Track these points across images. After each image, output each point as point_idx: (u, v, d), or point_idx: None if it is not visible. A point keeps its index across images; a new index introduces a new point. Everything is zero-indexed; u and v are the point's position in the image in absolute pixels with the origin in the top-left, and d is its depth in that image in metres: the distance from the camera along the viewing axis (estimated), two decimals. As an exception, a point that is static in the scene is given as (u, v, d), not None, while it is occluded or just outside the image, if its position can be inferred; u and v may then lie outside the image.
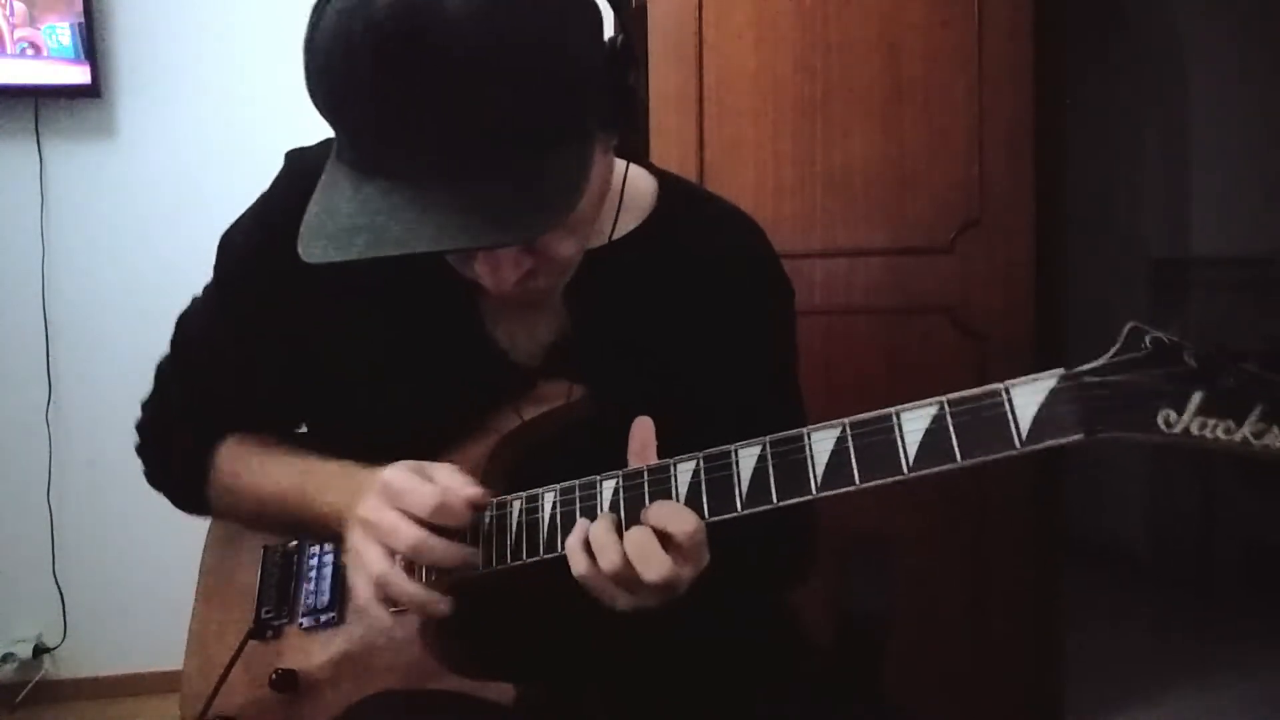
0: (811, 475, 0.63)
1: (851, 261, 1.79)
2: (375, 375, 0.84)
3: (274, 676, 0.83)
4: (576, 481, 0.72)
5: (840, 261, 1.79)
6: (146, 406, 0.93)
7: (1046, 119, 1.82)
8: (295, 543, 0.89)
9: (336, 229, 0.63)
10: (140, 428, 0.93)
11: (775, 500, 0.65)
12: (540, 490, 0.74)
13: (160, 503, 0.94)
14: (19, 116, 2.23)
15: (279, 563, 0.89)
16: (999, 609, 1.84)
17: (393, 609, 0.76)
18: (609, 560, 0.66)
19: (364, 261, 0.61)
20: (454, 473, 0.75)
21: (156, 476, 0.93)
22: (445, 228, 0.61)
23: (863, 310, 1.80)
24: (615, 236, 0.83)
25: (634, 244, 0.84)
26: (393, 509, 0.73)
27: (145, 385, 0.94)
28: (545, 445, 0.82)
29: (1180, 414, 0.53)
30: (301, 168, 0.81)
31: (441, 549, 0.73)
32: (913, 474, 0.60)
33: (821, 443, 0.64)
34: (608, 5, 0.71)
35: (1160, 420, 0.54)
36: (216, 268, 0.89)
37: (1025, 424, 0.57)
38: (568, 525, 0.71)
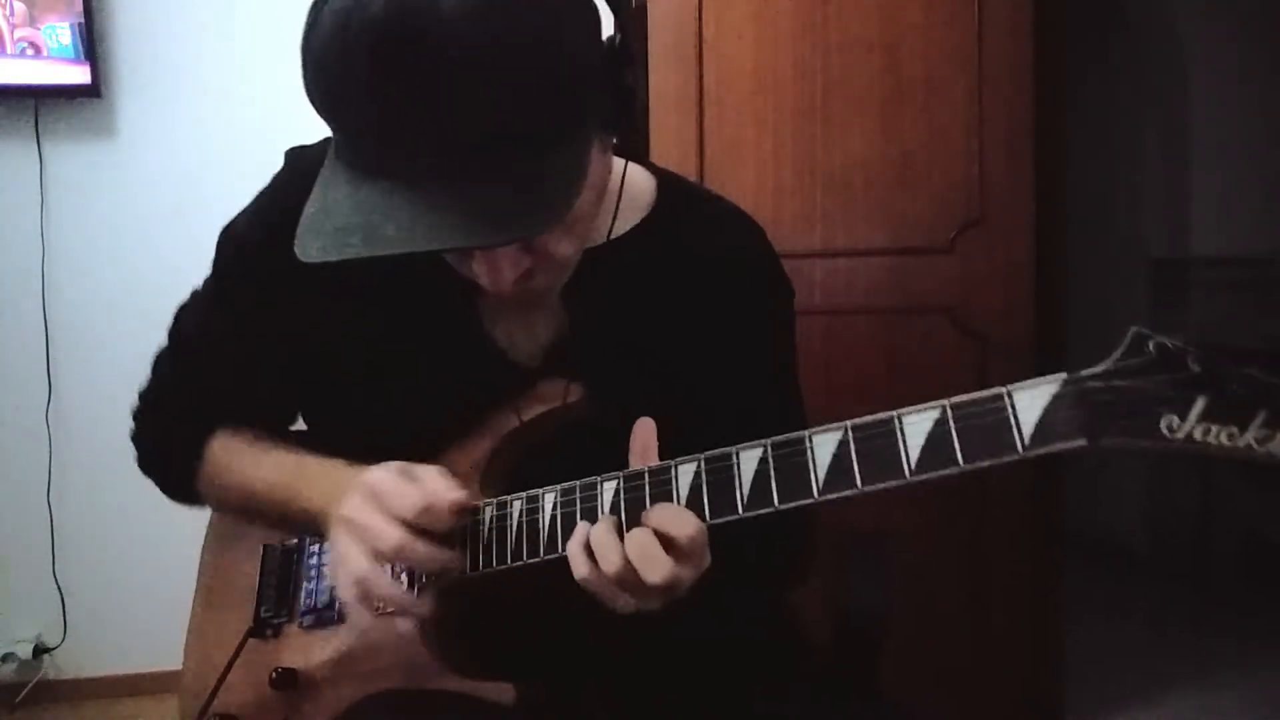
0: (813, 478, 0.63)
1: (851, 261, 1.79)
2: (373, 374, 0.84)
3: (274, 675, 0.83)
4: (577, 482, 0.72)
5: (840, 261, 1.79)
6: (143, 395, 0.93)
7: (1046, 119, 1.82)
8: (295, 541, 0.89)
9: (332, 228, 0.63)
10: (136, 415, 0.93)
11: (777, 503, 0.64)
12: (541, 491, 0.74)
13: (160, 503, 0.94)
14: (19, 116, 2.23)
15: (279, 561, 0.89)
16: (997, 605, 1.84)
17: (375, 610, 0.75)
18: (610, 563, 0.66)
19: (362, 260, 0.61)
20: (440, 476, 0.75)
21: (148, 463, 0.93)
22: (441, 227, 0.61)
23: (863, 310, 1.80)
24: (614, 235, 0.83)
25: (633, 243, 0.84)
26: (376, 510, 0.73)
27: (145, 385, 0.94)
28: (545, 445, 0.82)
29: (1183, 420, 0.53)
30: (302, 166, 0.81)
31: (424, 552, 0.73)
32: (915, 478, 0.60)
33: (823, 445, 0.63)
34: (605, 5, 0.71)
35: (1163, 426, 0.53)
36: (215, 263, 0.89)
37: (1028, 429, 0.57)
38: (568, 526, 0.71)
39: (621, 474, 0.70)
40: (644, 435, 0.71)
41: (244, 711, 0.86)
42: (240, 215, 0.87)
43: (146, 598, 2.21)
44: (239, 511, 0.91)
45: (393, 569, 0.76)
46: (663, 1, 1.77)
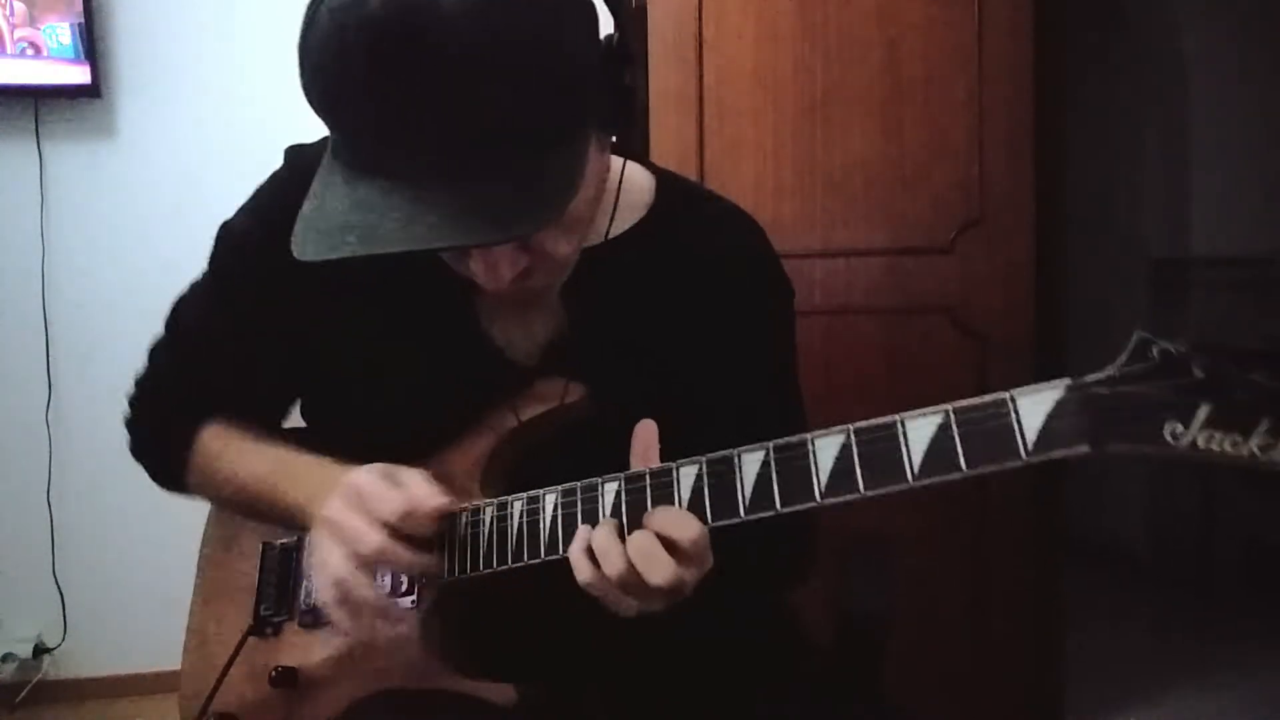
0: (815, 482, 0.63)
1: (851, 261, 1.79)
2: (371, 372, 0.84)
3: (274, 674, 0.83)
4: (578, 483, 0.72)
5: (840, 261, 1.79)
6: (138, 383, 0.94)
7: (1046, 119, 1.82)
8: (294, 539, 0.89)
9: (329, 227, 0.63)
10: (131, 402, 0.94)
11: (779, 507, 0.64)
12: (541, 491, 0.74)
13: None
14: (19, 116, 2.22)
15: (278, 559, 0.89)
16: (999, 609, 1.84)
17: (353, 613, 0.75)
18: (613, 566, 0.66)
19: (360, 259, 0.61)
20: (423, 480, 0.75)
21: (140, 450, 0.94)
22: (438, 226, 0.61)
23: (863, 310, 1.80)
24: (613, 235, 0.83)
25: (632, 242, 0.84)
26: (358, 512, 0.73)
27: (145, 384, 0.94)
28: (544, 445, 0.82)
29: (1187, 427, 0.53)
30: (301, 165, 0.81)
31: (404, 557, 0.73)
32: (918, 483, 0.60)
33: (825, 449, 0.63)
34: (604, 4, 0.70)
35: (1167, 433, 0.53)
36: (213, 259, 0.89)
37: (1031, 434, 0.56)
38: (569, 527, 0.71)
39: (623, 475, 0.70)
40: (645, 437, 0.71)
41: (244, 710, 0.85)
42: (239, 212, 0.87)
43: (146, 598, 2.21)
44: (227, 503, 0.91)
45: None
46: (663, 1, 1.77)
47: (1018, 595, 1.84)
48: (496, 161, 0.62)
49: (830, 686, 0.90)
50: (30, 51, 2.15)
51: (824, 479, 0.63)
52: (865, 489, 0.61)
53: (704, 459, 0.67)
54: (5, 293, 2.27)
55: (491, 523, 0.76)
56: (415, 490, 0.74)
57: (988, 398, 0.58)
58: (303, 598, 0.86)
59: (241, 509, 0.90)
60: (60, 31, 2.16)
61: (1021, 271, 1.80)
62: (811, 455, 0.63)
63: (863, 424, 0.62)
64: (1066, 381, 0.57)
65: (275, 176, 0.86)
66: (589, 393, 0.80)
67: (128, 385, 0.93)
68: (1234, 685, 2.34)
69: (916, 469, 0.60)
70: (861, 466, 0.61)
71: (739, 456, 0.66)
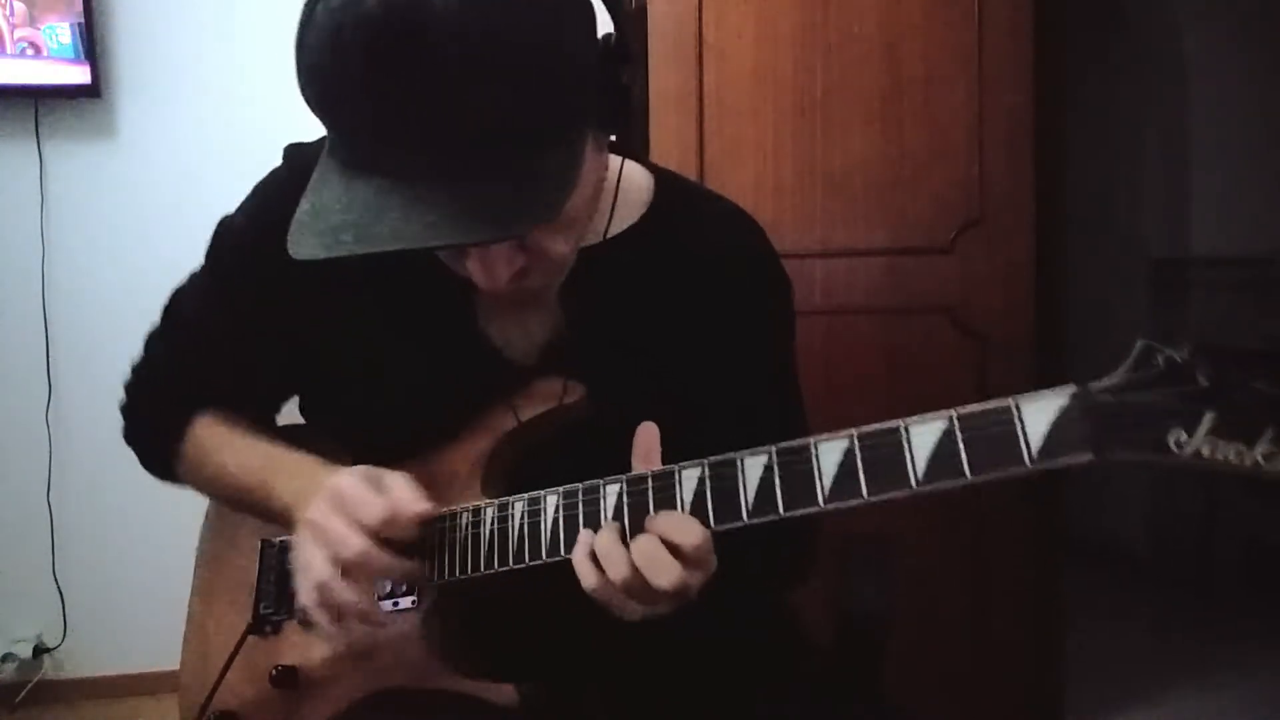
0: (819, 487, 0.63)
1: (851, 261, 1.79)
2: (369, 371, 0.84)
3: (274, 673, 0.83)
4: (580, 485, 0.72)
5: (840, 261, 1.79)
6: (134, 370, 0.94)
7: (1046, 119, 1.82)
8: (294, 537, 0.89)
9: (325, 226, 0.63)
10: (126, 387, 0.94)
11: (781, 512, 0.64)
12: (543, 493, 0.73)
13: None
14: (19, 116, 2.22)
15: (277, 557, 0.89)
16: (999, 609, 1.84)
17: (334, 616, 0.75)
18: (617, 571, 0.66)
19: (358, 258, 0.61)
20: (407, 485, 0.75)
21: (132, 436, 0.95)
22: (433, 225, 0.61)
23: (863, 310, 1.80)
24: (611, 234, 0.83)
25: (630, 241, 0.84)
26: (341, 517, 0.73)
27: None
28: (544, 445, 0.82)
29: (1191, 435, 0.52)
30: (300, 163, 0.81)
31: (385, 562, 0.73)
32: (921, 489, 0.59)
33: (829, 454, 0.63)
34: (601, 4, 0.70)
35: (1171, 441, 0.53)
36: (211, 254, 0.90)
37: (1036, 442, 0.56)
38: (571, 529, 0.70)
39: (625, 478, 0.70)
40: (647, 439, 0.71)
41: (244, 708, 0.85)
42: (238, 210, 0.88)
43: (146, 598, 2.20)
44: (214, 494, 0.92)
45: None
46: (662, 1, 1.77)
47: (1018, 595, 1.84)
48: (493, 161, 0.62)
49: (830, 686, 0.90)
50: (30, 51, 2.15)
51: (827, 484, 0.62)
52: (869, 495, 0.61)
53: (706, 462, 0.67)
54: (5, 293, 2.27)
55: (492, 524, 0.76)
56: (397, 496, 0.74)
57: (991, 404, 0.58)
58: (303, 597, 0.86)
59: (230, 502, 0.90)
60: (60, 31, 2.16)
61: (1021, 271, 1.80)
62: (815, 460, 0.63)
63: (866, 429, 0.62)
64: (1070, 389, 0.56)
65: (274, 175, 0.86)
66: (588, 393, 0.80)
67: (126, 377, 0.94)
68: (1234, 685, 2.34)
69: (920, 475, 0.59)
70: (865, 472, 0.61)
71: (742, 460, 0.66)
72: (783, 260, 0.91)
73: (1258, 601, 2.89)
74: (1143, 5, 3.16)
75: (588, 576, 0.67)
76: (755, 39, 1.78)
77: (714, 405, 0.81)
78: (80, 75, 2.17)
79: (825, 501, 0.62)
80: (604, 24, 0.69)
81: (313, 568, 0.73)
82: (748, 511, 0.65)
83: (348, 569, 0.73)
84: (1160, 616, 2.91)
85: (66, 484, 2.29)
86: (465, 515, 0.77)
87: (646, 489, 0.68)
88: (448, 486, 0.80)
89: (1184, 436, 0.53)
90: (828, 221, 1.79)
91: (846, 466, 0.62)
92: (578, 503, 0.71)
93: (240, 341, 0.88)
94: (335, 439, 0.85)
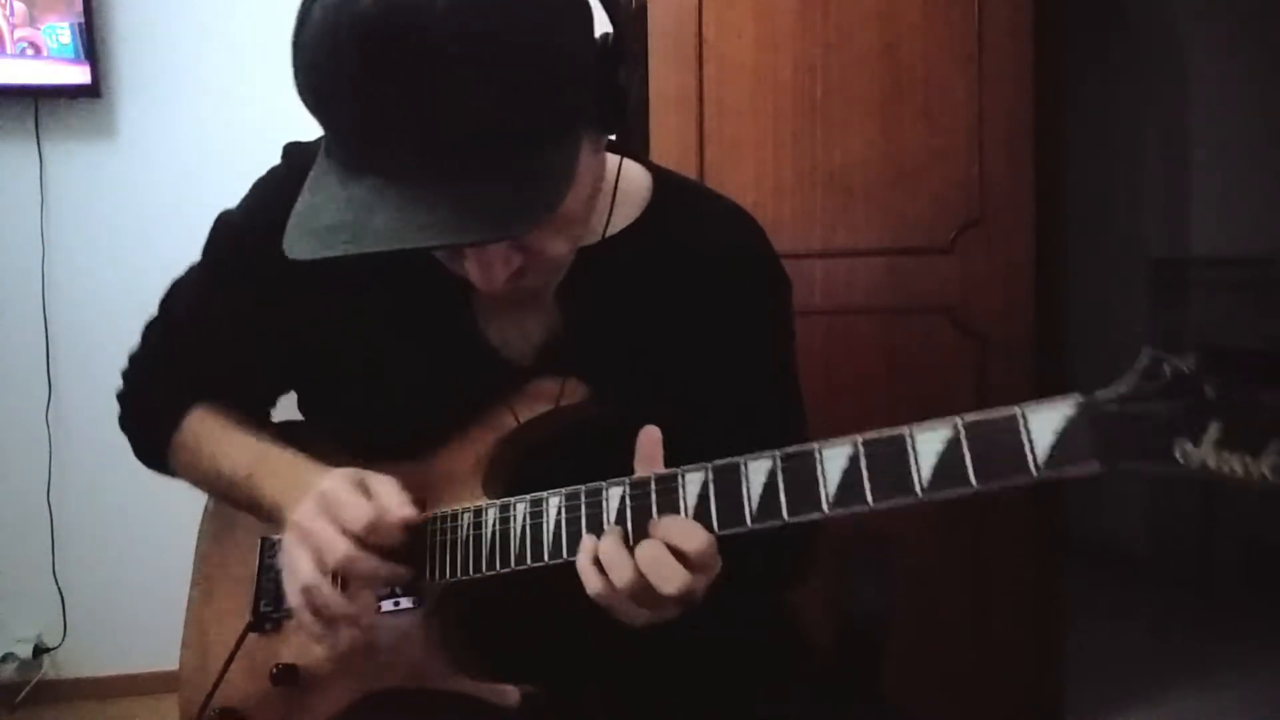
0: (823, 493, 0.62)
1: (851, 261, 1.79)
2: (367, 371, 0.84)
3: (275, 671, 0.83)
4: (582, 487, 0.71)
5: (840, 261, 1.79)
6: (132, 359, 0.95)
7: (1046, 119, 1.82)
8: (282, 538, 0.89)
9: (321, 226, 0.62)
10: (124, 375, 0.95)
11: (785, 517, 0.63)
12: (545, 495, 0.73)
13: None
14: (19, 116, 2.22)
15: (276, 555, 0.89)
16: (999, 609, 1.84)
17: (320, 618, 0.75)
18: (622, 576, 0.65)
19: (355, 257, 0.61)
20: (393, 490, 0.75)
21: (127, 424, 0.95)
22: (429, 225, 0.61)
23: (863, 310, 1.80)
24: (609, 233, 0.82)
25: (628, 241, 0.84)
26: (327, 520, 0.73)
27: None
28: (544, 446, 0.82)
29: (1197, 446, 0.52)
30: (299, 162, 0.81)
31: (369, 566, 0.73)
32: (926, 497, 0.59)
33: (833, 460, 0.62)
34: (599, 3, 0.70)
35: (1177, 452, 0.53)
36: (209, 250, 0.90)
37: (1042, 452, 0.56)
38: (573, 532, 0.70)
39: (627, 481, 0.69)
40: (649, 442, 0.70)
41: (245, 706, 0.86)
42: (237, 208, 0.88)
43: (146, 598, 2.20)
44: (204, 487, 0.92)
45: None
46: (663, 1, 1.77)
47: (1018, 595, 1.84)
48: (490, 160, 0.62)
49: (830, 686, 0.90)
50: (30, 51, 2.15)
51: (831, 490, 0.62)
52: (873, 502, 0.61)
53: (710, 466, 0.66)
54: (5, 293, 2.27)
55: (494, 525, 0.75)
56: (384, 500, 0.74)
57: (997, 412, 0.58)
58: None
59: (221, 496, 0.91)
60: (60, 31, 2.16)
61: (1021, 271, 1.80)
62: (819, 465, 0.62)
63: (871, 435, 0.61)
64: (1076, 398, 0.56)
65: (273, 172, 0.86)
66: (587, 393, 0.80)
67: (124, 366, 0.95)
68: (1234, 685, 2.34)
69: (925, 484, 0.59)
70: (869, 479, 0.61)
71: (745, 465, 0.65)
72: (783, 260, 0.90)
73: (1258, 601, 2.89)
74: (1143, 5, 3.16)
75: (592, 582, 0.67)
76: (755, 39, 1.78)
77: (713, 405, 0.81)
78: (80, 75, 2.17)
79: (829, 508, 0.62)
80: (601, 24, 0.69)
81: (299, 571, 0.74)
82: (751, 517, 0.64)
83: (334, 573, 0.73)
84: (1160, 616, 2.91)
85: (66, 484, 2.29)
86: (467, 516, 0.77)
87: (649, 492, 0.68)
88: (446, 486, 0.80)
89: (1190, 447, 0.53)
90: (828, 221, 1.79)
91: (851, 474, 0.61)
92: (580, 505, 0.71)
93: (236, 337, 0.88)
94: (333, 438, 0.85)
